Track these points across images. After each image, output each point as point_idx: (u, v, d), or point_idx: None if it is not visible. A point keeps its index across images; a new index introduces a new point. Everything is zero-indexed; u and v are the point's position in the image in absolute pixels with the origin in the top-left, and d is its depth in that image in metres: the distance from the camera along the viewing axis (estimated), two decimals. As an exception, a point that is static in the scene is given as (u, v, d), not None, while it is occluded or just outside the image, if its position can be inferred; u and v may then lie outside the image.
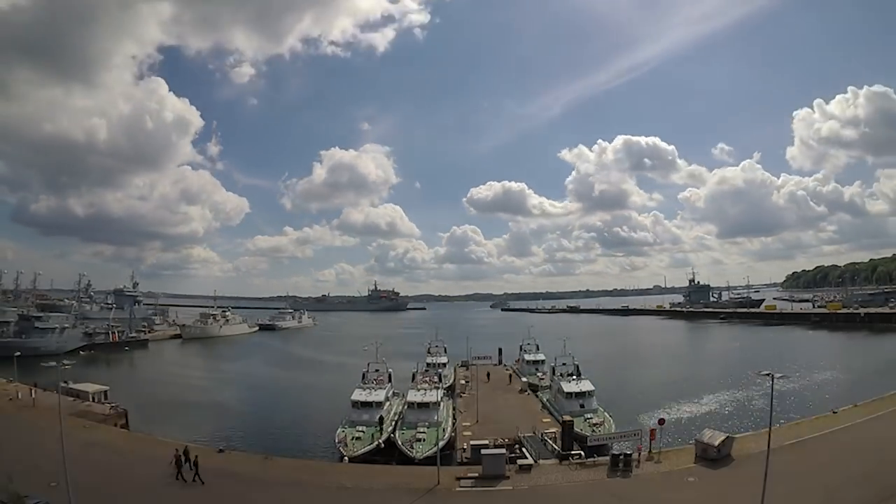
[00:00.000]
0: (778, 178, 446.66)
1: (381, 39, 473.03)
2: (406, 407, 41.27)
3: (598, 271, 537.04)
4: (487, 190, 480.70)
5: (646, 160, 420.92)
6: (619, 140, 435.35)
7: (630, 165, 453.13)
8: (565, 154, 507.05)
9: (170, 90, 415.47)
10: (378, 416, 38.90)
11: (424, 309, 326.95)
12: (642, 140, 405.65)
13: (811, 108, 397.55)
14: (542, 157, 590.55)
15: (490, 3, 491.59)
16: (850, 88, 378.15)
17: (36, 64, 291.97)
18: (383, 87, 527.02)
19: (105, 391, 47.14)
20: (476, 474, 27.94)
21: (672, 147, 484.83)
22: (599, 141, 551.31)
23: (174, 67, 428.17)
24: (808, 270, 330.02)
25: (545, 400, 48.17)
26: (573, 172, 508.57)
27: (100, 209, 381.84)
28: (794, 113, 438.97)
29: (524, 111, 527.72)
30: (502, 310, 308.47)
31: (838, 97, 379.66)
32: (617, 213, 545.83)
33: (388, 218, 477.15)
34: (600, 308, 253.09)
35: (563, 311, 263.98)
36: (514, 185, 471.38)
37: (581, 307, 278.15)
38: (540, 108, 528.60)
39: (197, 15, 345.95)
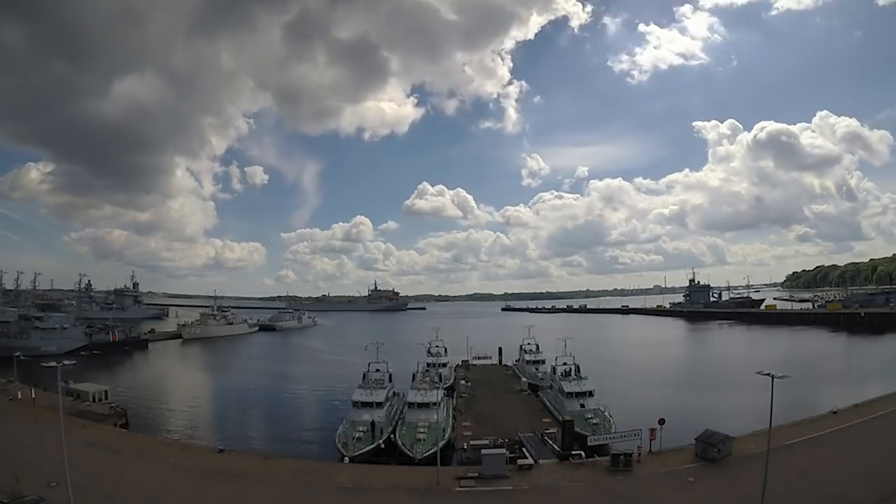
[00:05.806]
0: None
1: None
2: (406, 407, 41.25)
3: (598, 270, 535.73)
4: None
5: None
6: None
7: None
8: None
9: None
10: (378, 417, 38.87)
11: (424, 309, 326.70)
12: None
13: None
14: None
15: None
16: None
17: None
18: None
19: (105, 391, 47.18)
20: (476, 474, 27.92)
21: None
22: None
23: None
24: (809, 270, 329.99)
25: (545, 400, 48.14)
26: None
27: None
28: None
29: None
30: (502, 309, 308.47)
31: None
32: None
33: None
34: (601, 308, 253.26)
35: (564, 310, 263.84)
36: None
37: (579, 307, 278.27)
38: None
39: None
